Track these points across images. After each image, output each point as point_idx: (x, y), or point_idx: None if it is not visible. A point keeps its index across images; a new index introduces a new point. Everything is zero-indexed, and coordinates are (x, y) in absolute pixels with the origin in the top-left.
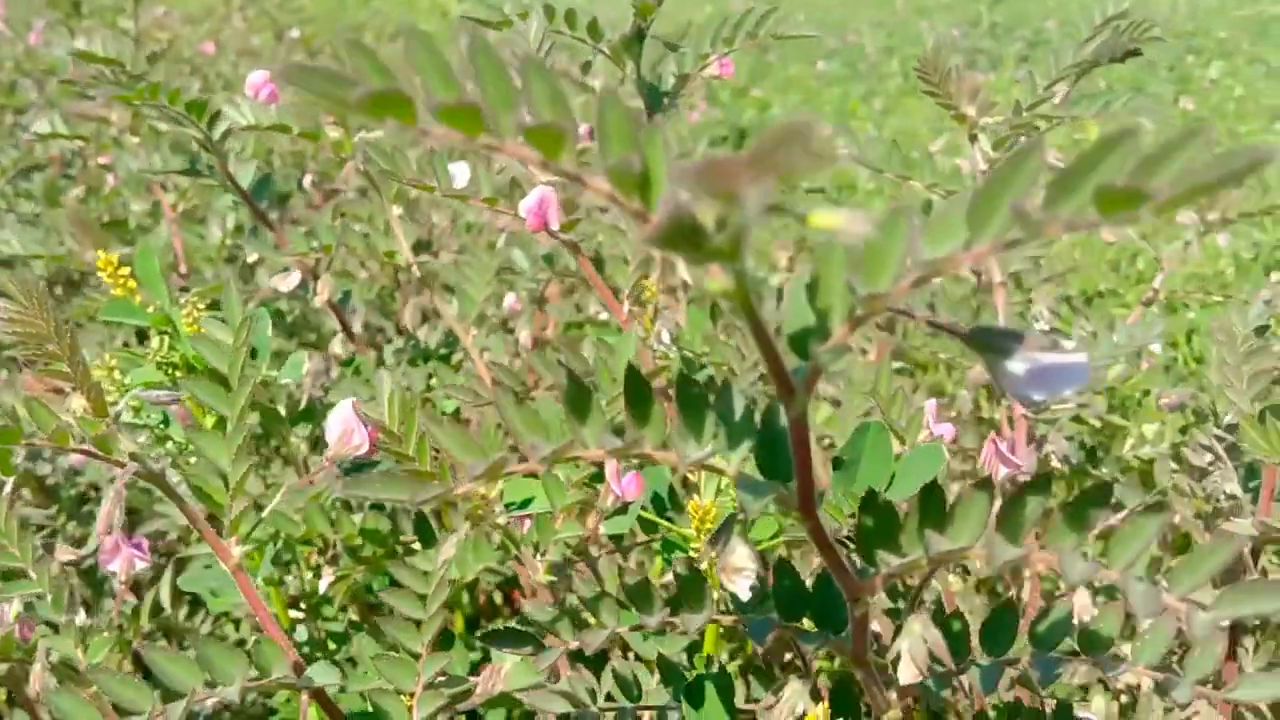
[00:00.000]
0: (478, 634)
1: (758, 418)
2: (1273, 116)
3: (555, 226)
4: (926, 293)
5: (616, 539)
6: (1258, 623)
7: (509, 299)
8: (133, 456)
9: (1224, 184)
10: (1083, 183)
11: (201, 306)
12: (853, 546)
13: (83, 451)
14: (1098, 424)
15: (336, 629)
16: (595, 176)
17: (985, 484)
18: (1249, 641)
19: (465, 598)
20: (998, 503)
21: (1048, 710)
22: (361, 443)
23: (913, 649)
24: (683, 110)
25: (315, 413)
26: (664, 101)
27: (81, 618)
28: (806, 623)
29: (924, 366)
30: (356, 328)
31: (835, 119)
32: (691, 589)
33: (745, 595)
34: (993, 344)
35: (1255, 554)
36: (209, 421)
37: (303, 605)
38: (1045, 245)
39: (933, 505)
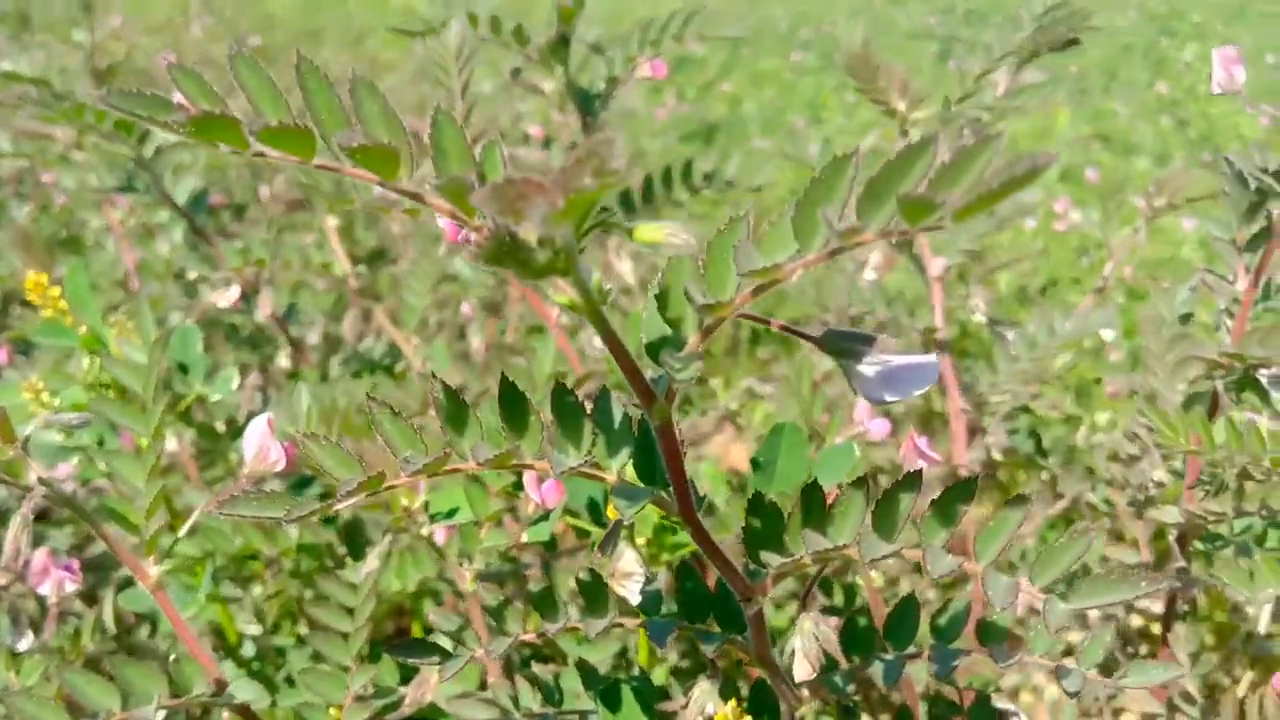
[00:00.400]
0: (385, 646)
1: (635, 426)
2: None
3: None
4: (880, 291)
5: (548, 545)
6: (1186, 608)
7: (465, 307)
8: (40, 481)
9: (1009, 191)
10: (888, 193)
11: (131, 325)
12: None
13: None
14: (1055, 413)
15: (288, 643)
16: (434, 195)
17: (860, 483)
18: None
19: (428, 604)
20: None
21: (966, 702)
22: (278, 459)
23: (805, 647)
24: (651, 108)
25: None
26: (596, 104)
27: (29, 640)
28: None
29: None
30: (314, 339)
31: (807, 111)
32: (593, 595)
33: (635, 599)
34: (844, 348)
35: (1182, 540)
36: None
37: (256, 619)
38: (980, 239)
39: (813, 506)
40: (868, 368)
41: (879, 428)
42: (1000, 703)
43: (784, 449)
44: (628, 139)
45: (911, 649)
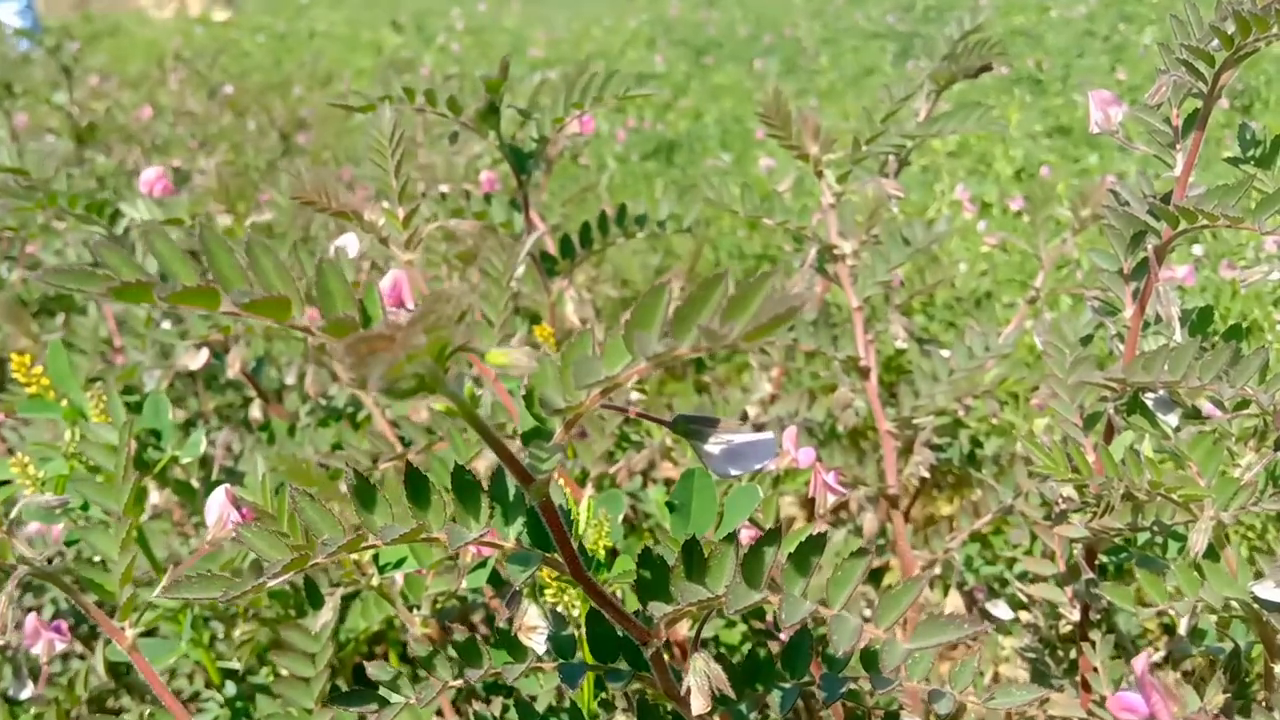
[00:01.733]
0: (330, 698)
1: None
2: None
3: (409, 305)
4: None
5: (494, 582)
6: (1099, 616)
7: None
8: (21, 560)
9: (778, 325)
10: (691, 322)
11: (103, 395)
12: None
13: None
14: (995, 421)
15: (267, 680)
16: (321, 333)
17: (730, 539)
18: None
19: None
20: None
21: None
22: (237, 524)
23: (699, 684)
24: (613, 128)
25: (223, 480)
26: (529, 163)
27: (30, 690)
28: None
29: (827, 389)
30: (291, 378)
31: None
32: (510, 644)
33: (541, 649)
34: (691, 430)
35: (1090, 553)
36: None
37: (236, 661)
38: (900, 268)
39: (694, 559)
40: (713, 446)
41: (805, 456)
42: (909, 718)
43: (695, 492)
44: (591, 158)
45: (807, 678)
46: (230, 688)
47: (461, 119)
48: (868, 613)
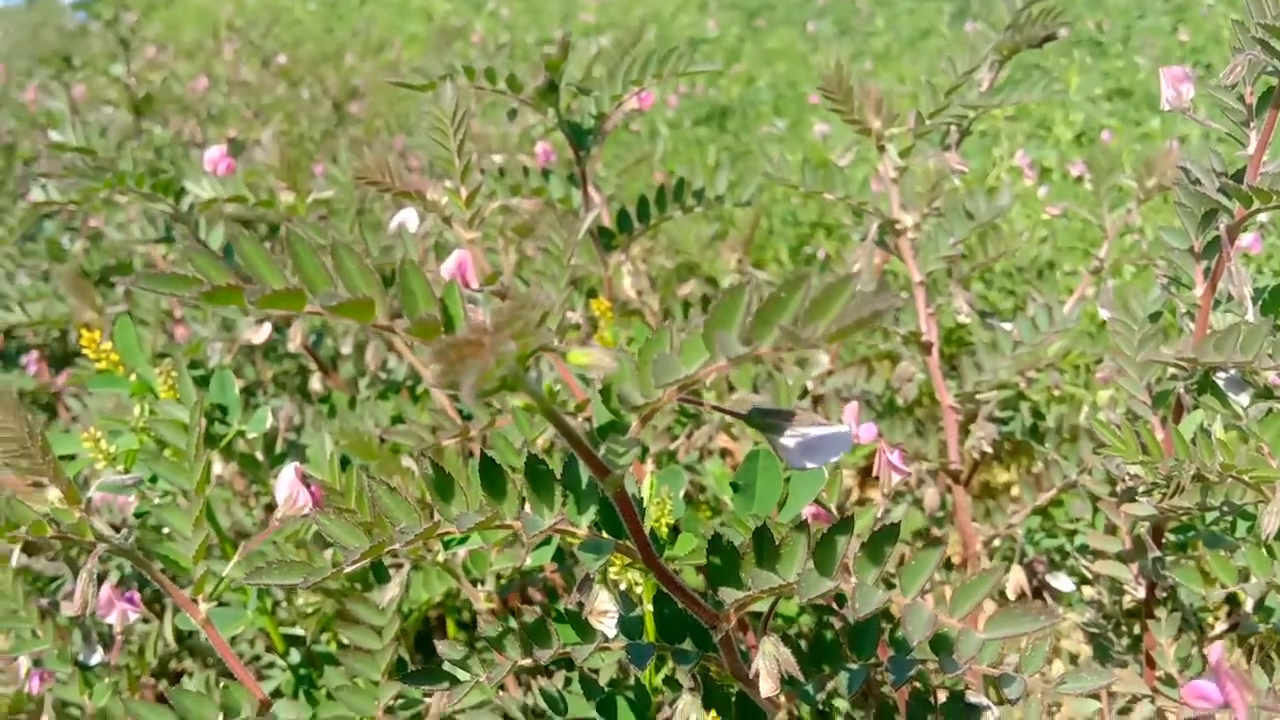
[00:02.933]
0: (400, 676)
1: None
2: None
3: (475, 285)
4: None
5: (558, 558)
6: (1165, 594)
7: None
8: (99, 538)
9: (862, 326)
10: (771, 322)
11: (173, 371)
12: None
13: (60, 537)
14: (1057, 392)
15: (330, 648)
16: (405, 333)
17: (802, 527)
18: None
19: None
20: (898, 509)
21: (939, 699)
22: (306, 503)
23: (767, 667)
24: (663, 95)
25: (288, 455)
26: (587, 139)
27: (99, 655)
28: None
29: (884, 357)
30: (347, 349)
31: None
32: (579, 625)
33: (611, 633)
34: (766, 423)
35: (1158, 531)
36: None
37: (300, 629)
38: (964, 242)
39: (764, 546)
40: (789, 439)
41: (866, 432)
42: (973, 698)
43: (760, 473)
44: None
45: (874, 659)
46: (294, 655)
47: (521, 96)
48: (927, 586)
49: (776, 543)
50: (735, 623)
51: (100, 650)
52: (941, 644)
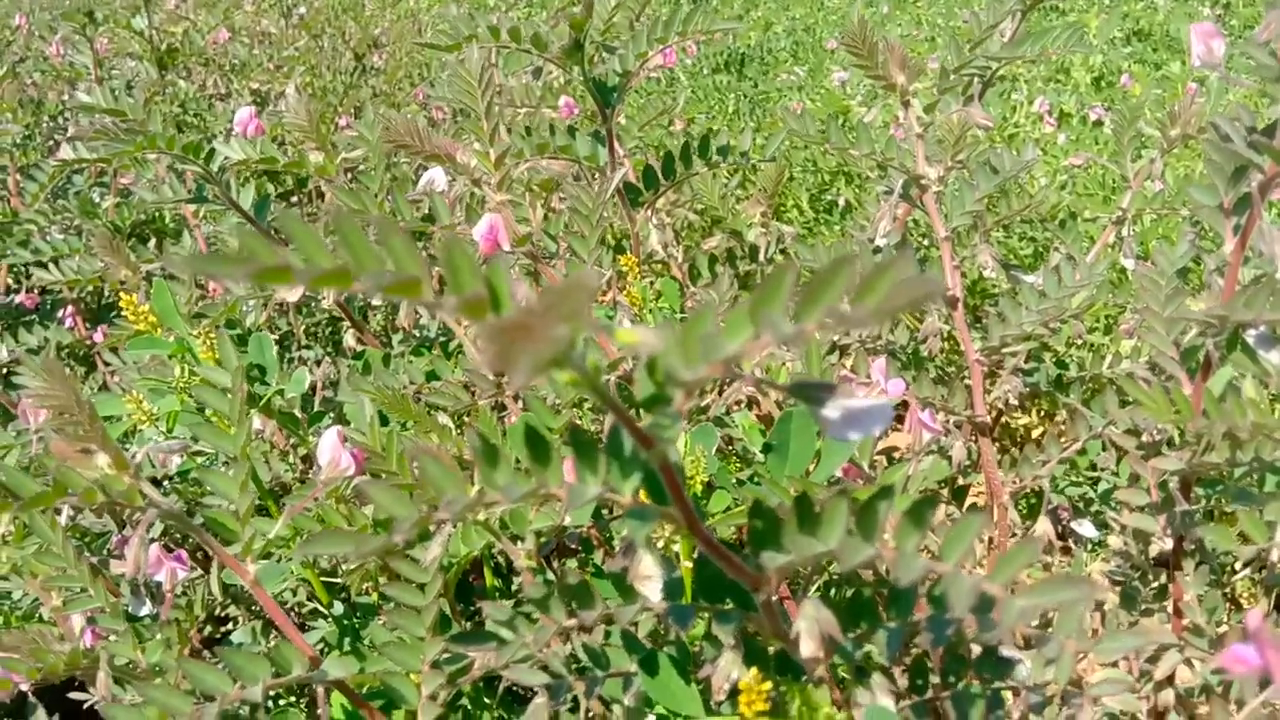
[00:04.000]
0: (446, 636)
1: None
2: None
3: (507, 247)
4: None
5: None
6: (1193, 547)
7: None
8: (150, 502)
9: (911, 306)
10: (818, 302)
11: (212, 333)
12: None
13: (110, 503)
14: (1080, 341)
15: (372, 600)
16: (452, 311)
17: (843, 493)
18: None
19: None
20: (926, 460)
21: (973, 652)
22: (349, 465)
23: (808, 629)
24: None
25: (326, 412)
26: (612, 96)
27: (148, 607)
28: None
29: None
30: (377, 300)
31: (842, 28)
32: (622, 587)
33: (656, 597)
34: (809, 395)
35: (1186, 485)
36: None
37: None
38: (989, 196)
39: (805, 511)
40: (831, 411)
41: (895, 387)
42: (1007, 651)
43: (794, 433)
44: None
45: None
46: (338, 607)
47: (546, 55)
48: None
49: (817, 510)
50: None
51: (148, 602)
52: (982, 606)
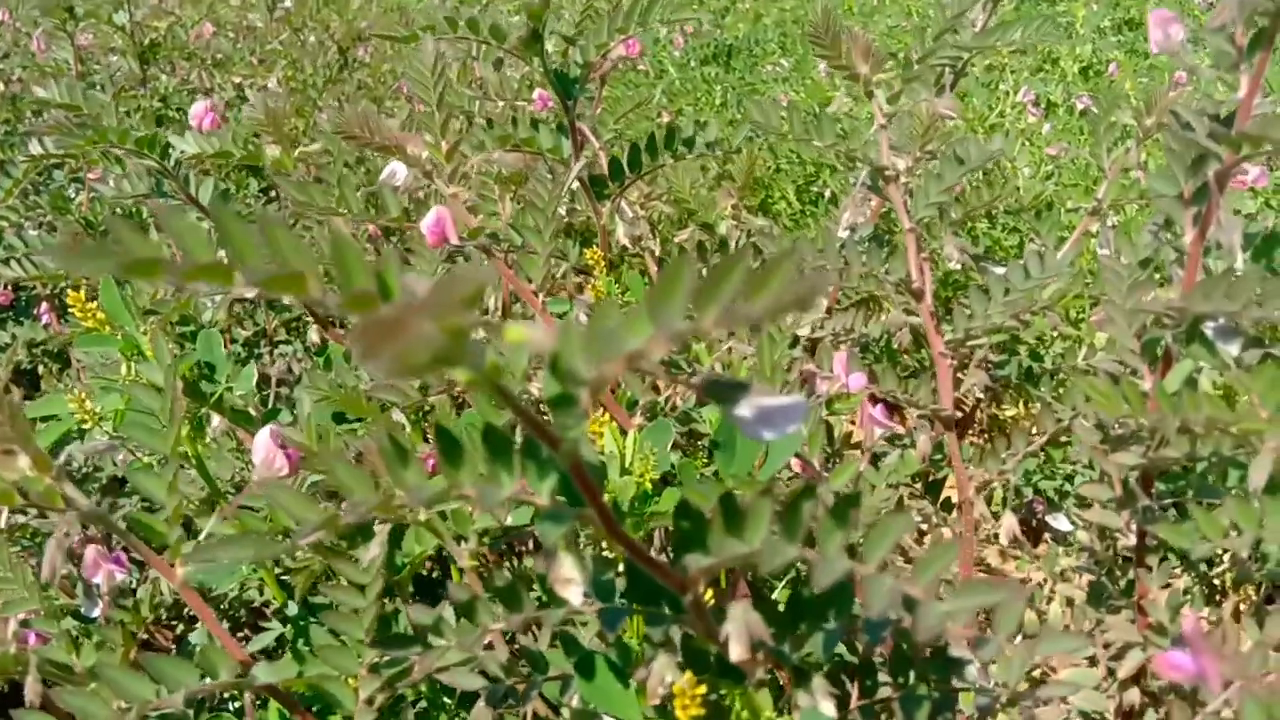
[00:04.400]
0: (371, 641)
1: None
2: None
3: (454, 240)
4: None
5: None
6: (1154, 542)
7: None
8: (70, 504)
9: (797, 306)
10: (714, 298)
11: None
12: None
13: (31, 505)
14: (1055, 333)
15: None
16: (337, 308)
17: (766, 493)
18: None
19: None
20: (892, 455)
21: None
22: (283, 465)
23: (736, 631)
24: (668, 38)
25: (280, 407)
26: (574, 88)
27: (99, 609)
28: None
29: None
30: None
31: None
32: (549, 590)
33: (576, 601)
34: (720, 394)
35: (1147, 479)
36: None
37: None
38: (951, 190)
39: (731, 512)
40: (744, 410)
41: (855, 381)
42: (956, 651)
43: (740, 430)
44: (651, 64)
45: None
46: (292, 606)
47: (505, 46)
48: (924, 527)
49: (742, 509)
50: (704, 588)
51: (100, 605)
52: (912, 606)
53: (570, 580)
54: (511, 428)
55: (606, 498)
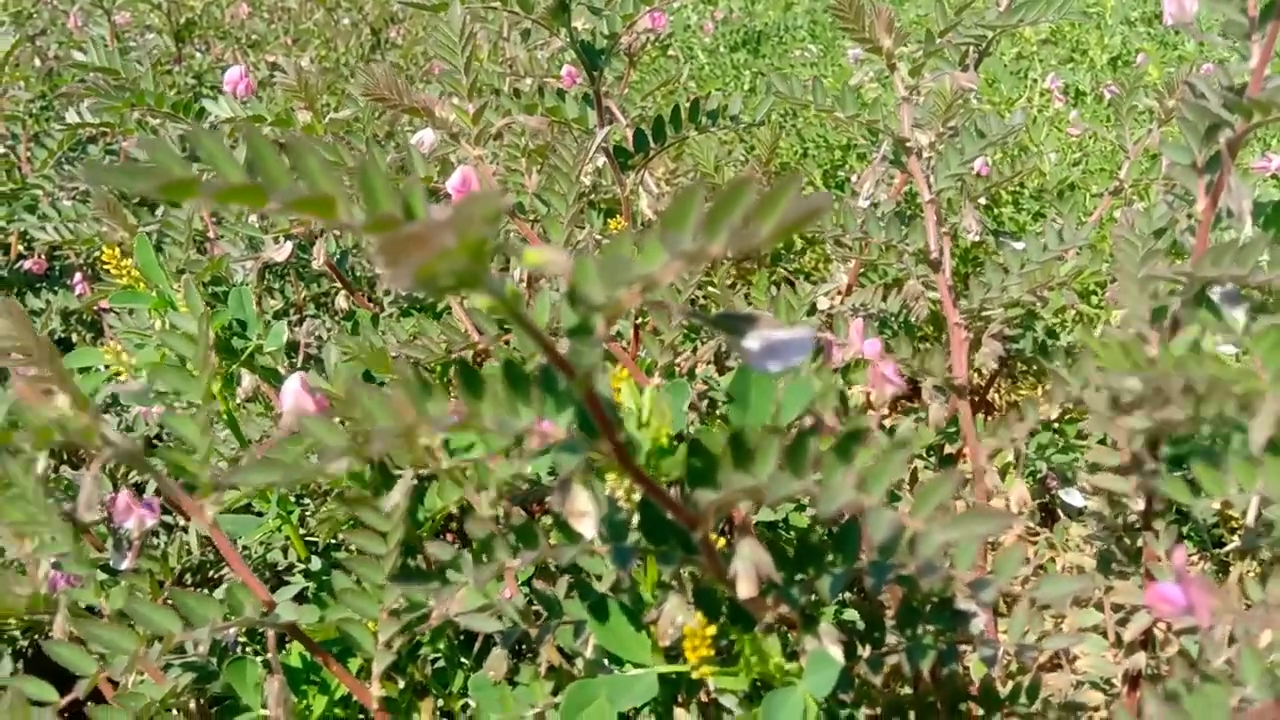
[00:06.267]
0: (390, 577)
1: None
2: None
3: None
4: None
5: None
6: (1161, 506)
7: None
8: (106, 441)
9: (801, 225)
10: (720, 222)
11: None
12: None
13: (67, 442)
14: (1073, 312)
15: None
16: (363, 230)
17: (774, 431)
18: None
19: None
20: (903, 423)
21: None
22: (311, 412)
23: (744, 569)
24: (698, 23)
25: (309, 367)
26: (599, 59)
27: (129, 561)
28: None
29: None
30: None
31: None
32: (563, 527)
33: (590, 534)
34: (730, 326)
35: (1153, 443)
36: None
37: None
38: (970, 163)
39: (739, 448)
40: (751, 342)
41: (870, 348)
42: (962, 604)
43: (753, 384)
44: (681, 50)
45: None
46: (315, 562)
47: (532, 16)
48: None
49: (751, 446)
50: (732, 523)
51: (130, 557)
52: (910, 544)
53: (585, 513)
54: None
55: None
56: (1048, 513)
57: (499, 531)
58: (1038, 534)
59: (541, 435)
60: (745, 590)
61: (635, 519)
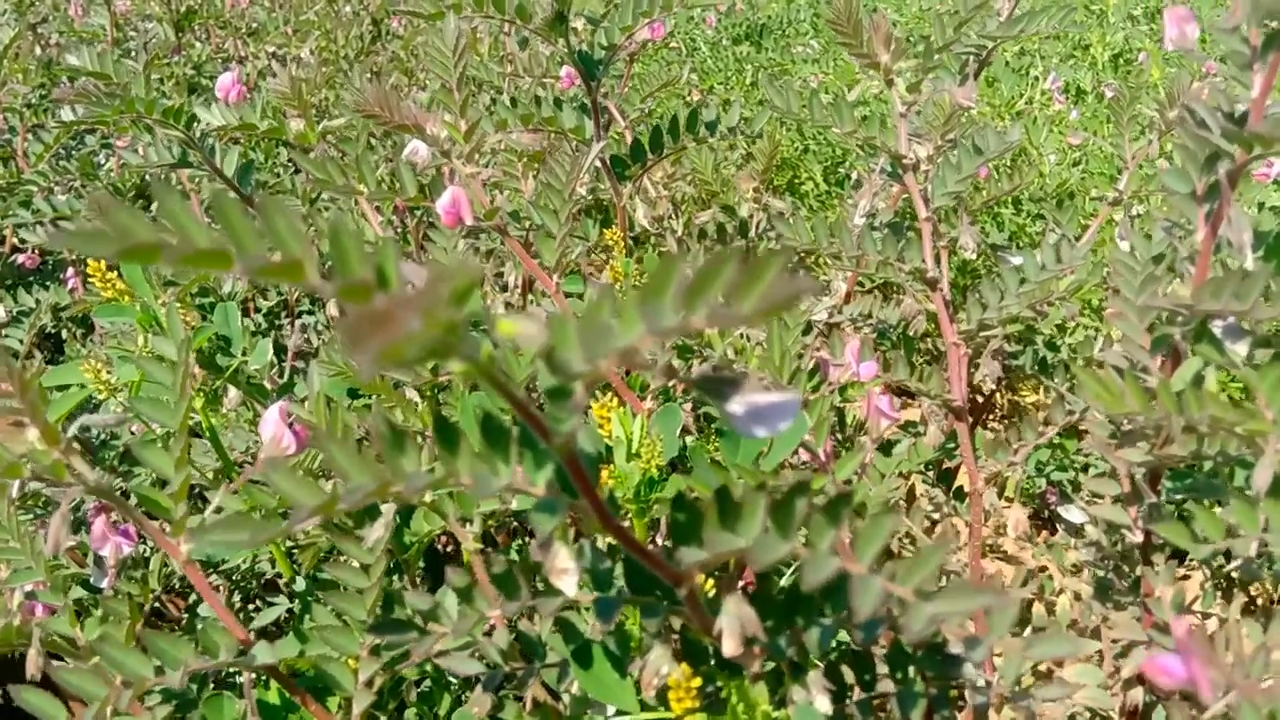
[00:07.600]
0: (368, 627)
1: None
2: None
3: (469, 221)
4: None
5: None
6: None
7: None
8: (77, 478)
9: (783, 309)
10: (700, 297)
11: (179, 305)
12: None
13: (37, 478)
14: (1072, 325)
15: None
16: (331, 294)
17: (760, 487)
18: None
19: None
20: (901, 444)
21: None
22: (290, 443)
23: (730, 626)
24: (701, 16)
25: (294, 383)
26: (597, 70)
27: (109, 580)
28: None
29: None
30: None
31: (866, 2)
32: (546, 579)
33: (571, 591)
34: (712, 389)
35: (1154, 477)
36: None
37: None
38: (968, 179)
39: (726, 505)
40: (736, 407)
41: (866, 370)
42: (954, 648)
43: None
44: (683, 42)
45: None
46: (300, 582)
47: (530, 26)
48: (935, 515)
49: (738, 503)
50: (704, 577)
51: (111, 576)
52: (904, 604)
53: (565, 570)
54: (514, 417)
55: (612, 483)
56: (1044, 523)
57: (482, 578)
58: (1035, 544)
59: (520, 490)
60: (731, 648)
61: (619, 568)
